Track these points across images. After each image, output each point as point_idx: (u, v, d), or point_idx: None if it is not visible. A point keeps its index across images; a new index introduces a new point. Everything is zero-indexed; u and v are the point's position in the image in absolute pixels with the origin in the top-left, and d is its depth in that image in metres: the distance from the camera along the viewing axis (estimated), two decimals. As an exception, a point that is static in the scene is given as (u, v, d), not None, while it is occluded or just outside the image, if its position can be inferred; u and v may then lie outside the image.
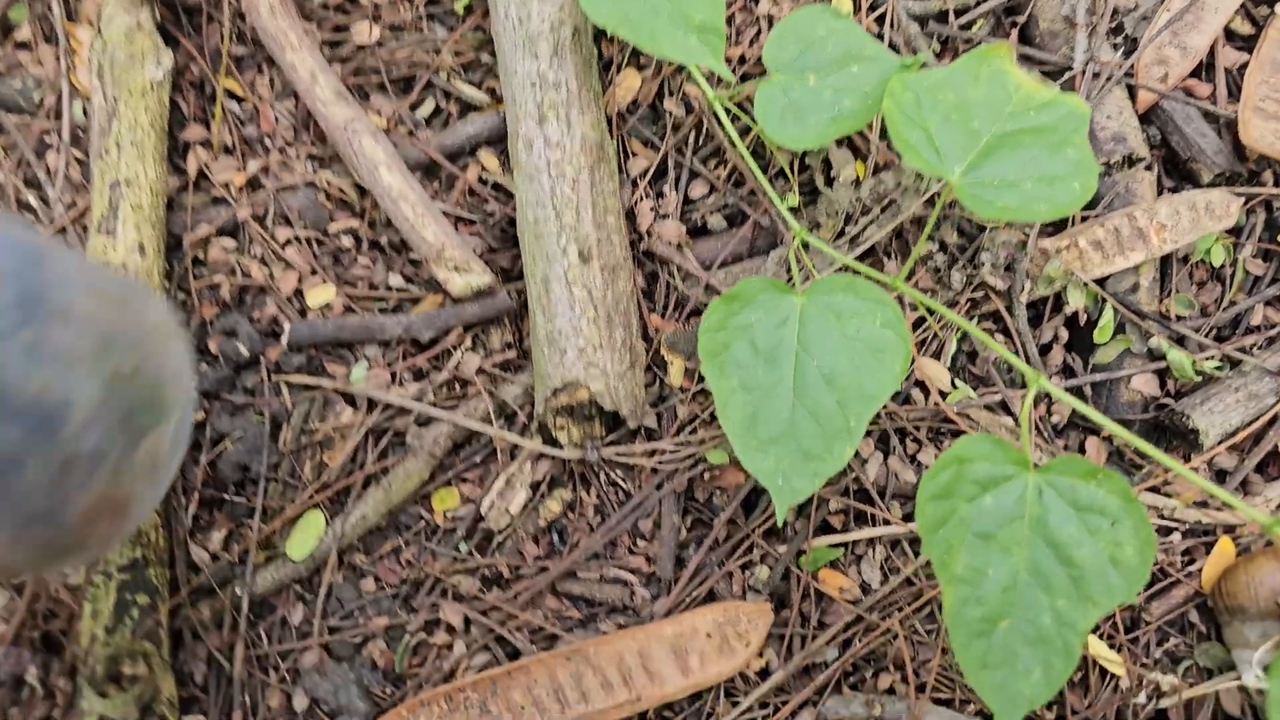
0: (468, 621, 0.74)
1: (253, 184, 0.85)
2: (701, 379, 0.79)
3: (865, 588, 0.74)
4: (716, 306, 0.66)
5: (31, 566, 0.47)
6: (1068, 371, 0.83)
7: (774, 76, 0.71)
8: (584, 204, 0.74)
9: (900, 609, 0.72)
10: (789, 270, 0.82)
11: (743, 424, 0.64)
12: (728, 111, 0.83)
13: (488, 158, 0.85)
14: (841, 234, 0.82)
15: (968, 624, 0.52)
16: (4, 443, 0.33)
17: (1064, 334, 0.84)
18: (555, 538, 0.76)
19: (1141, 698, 0.69)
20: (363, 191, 0.84)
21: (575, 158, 0.75)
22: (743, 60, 0.84)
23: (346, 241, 0.84)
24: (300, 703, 0.71)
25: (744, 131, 0.85)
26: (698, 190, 0.85)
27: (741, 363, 0.65)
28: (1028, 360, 0.80)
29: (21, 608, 0.73)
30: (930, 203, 0.83)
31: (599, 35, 0.87)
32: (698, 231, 0.85)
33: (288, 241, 0.83)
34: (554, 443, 0.75)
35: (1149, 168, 0.85)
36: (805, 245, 0.82)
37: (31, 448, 0.34)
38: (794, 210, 0.83)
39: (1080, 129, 0.66)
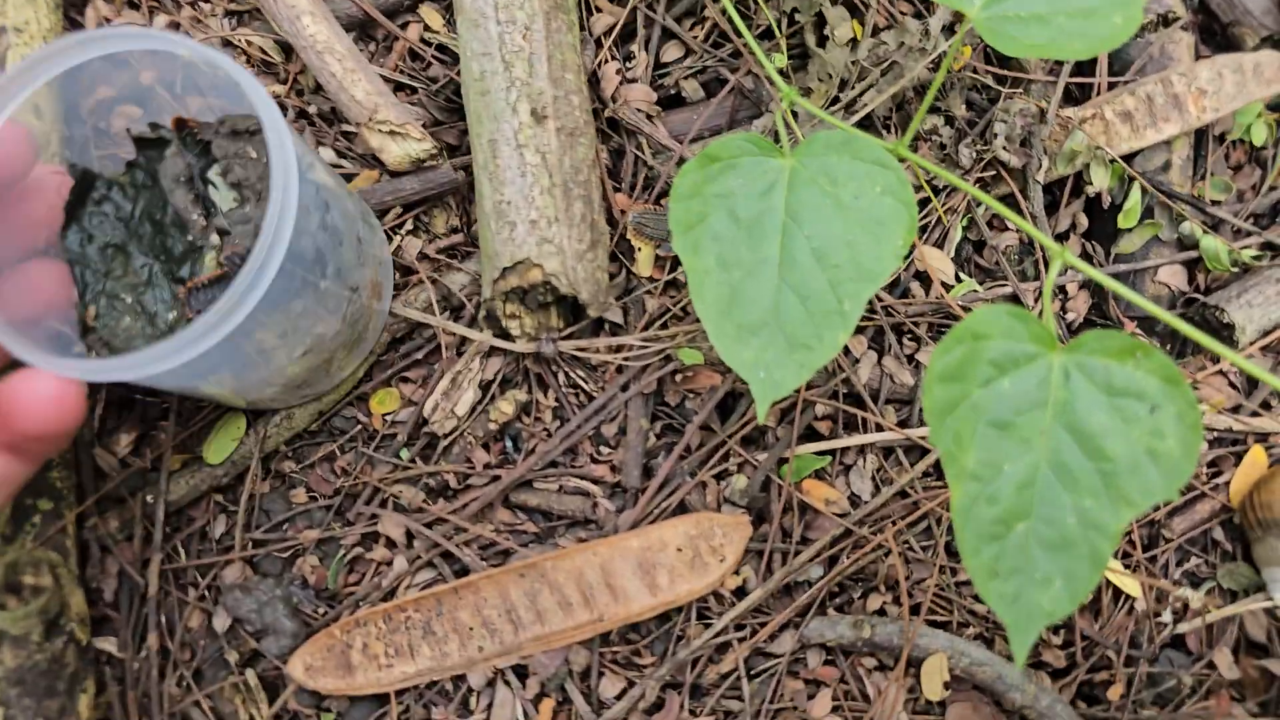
0: (410, 535, 0.66)
1: (159, 41, 0.73)
2: (672, 268, 0.70)
3: (854, 500, 0.66)
4: (690, 169, 0.56)
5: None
6: (1086, 262, 0.74)
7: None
8: (538, 55, 0.63)
9: (893, 523, 0.65)
10: (775, 142, 0.71)
11: (720, 308, 0.55)
12: (708, -45, 0.72)
13: (430, 14, 0.74)
14: (836, 101, 0.72)
15: (979, 526, 0.44)
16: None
17: (1083, 221, 0.74)
18: (508, 444, 0.68)
19: (1166, 615, 0.62)
20: (288, 52, 0.73)
21: (528, 1, 0.64)
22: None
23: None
24: (221, 622, 0.63)
25: (727, -17, 0.74)
26: (671, 53, 0.74)
27: (719, 236, 0.56)
28: (1044, 247, 0.71)
29: (-98, 518, 0.65)
30: (937, 67, 0.72)
31: None
32: (671, 101, 0.74)
33: (199, 111, 0.72)
34: (505, 335, 0.66)
35: (1185, 29, 0.74)
36: (794, 113, 0.71)
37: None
38: (782, 74, 0.72)
39: (1123, -44, 0.55)
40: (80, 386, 0.47)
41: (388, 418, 0.68)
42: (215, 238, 0.56)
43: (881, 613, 0.64)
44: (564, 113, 0.64)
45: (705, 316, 0.55)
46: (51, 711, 0.59)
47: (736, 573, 0.64)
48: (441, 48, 0.74)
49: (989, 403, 0.46)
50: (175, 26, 0.74)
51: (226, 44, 0.73)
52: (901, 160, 0.58)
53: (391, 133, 0.66)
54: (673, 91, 0.74)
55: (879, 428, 0.67)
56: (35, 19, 0.67)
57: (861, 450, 0.67)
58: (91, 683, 0.62)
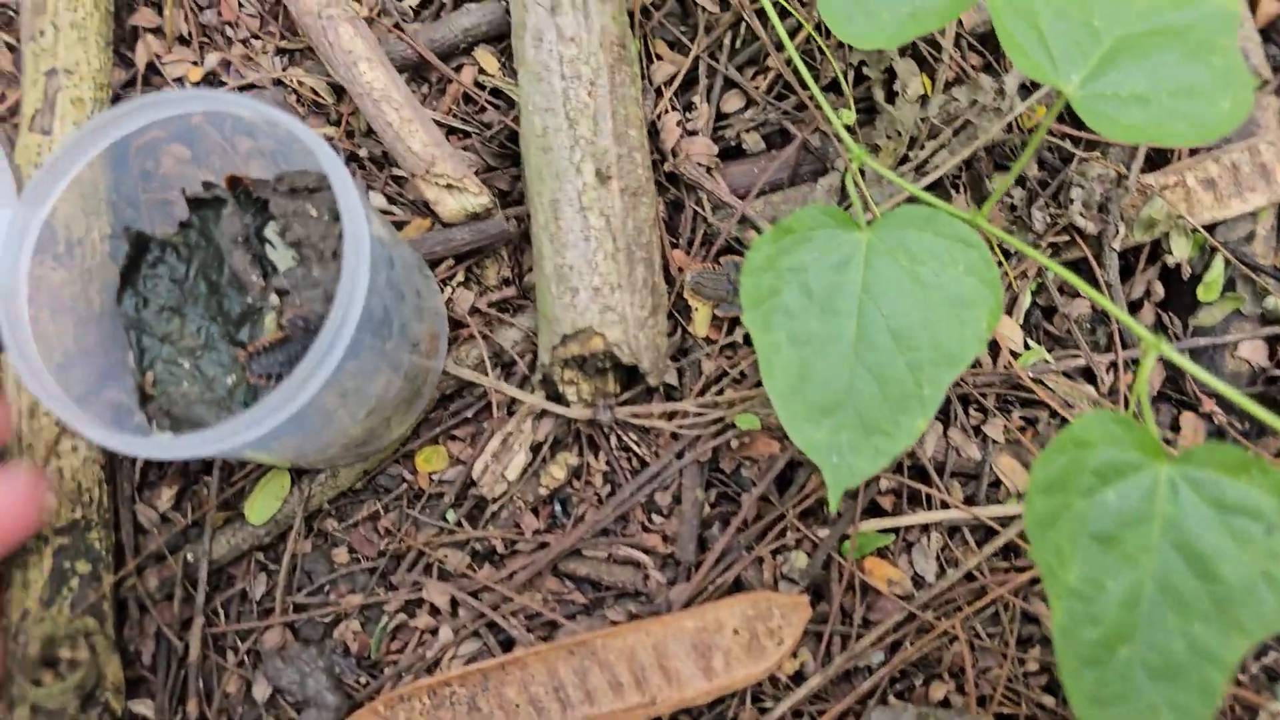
0: (455, 603, 0.64)
1: (210, 80, 0.71)
2: (730, 329, 0.68)
3: (918, 581, 0.63)
4: (764, 242, 0.54)
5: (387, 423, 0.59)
6: (1161, 333, 0.71)
7: (841, -41, 0.57)
8: (603, 112, 0.61)
9: (959, 608, 0.62)
10: (841, 201, 0.69)
11: (790, 386, 0.53)
12: (776, 4, 0.69)
13: (486, 58, 0.72)
14: (905, 160, 0.69)
15: (1079, 648, 0.41)
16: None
17: (1159, 290, 0.71)
18: (558, 509, 0.65)
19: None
20: (340, 93, 0.71)
21: (594, 55, 0.62)
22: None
23: (314, 161, 0.71)
24: (261, 691, 0.61)
25: (792, 33, 0.71)
26: (732, 103, 0.72)
27: (792, 311, 0.53)
28: (1127, 329, 0.68)
29: (-63, 571, 0.63)
30: (1013, 127, 0.69)
31: (624, -88, 0.72)
32: (731, 153, 0.72)
33: (249, 153, 0.70)
34: (560, 399, 0.64)
35: (1277, 92, 0.71)
36: (862, 171, 0.69)
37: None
38: (849, 130, 0.70)
39: (1228, 31, 0.52)
40: (42, 488, 0.48)
41: (434, 477, 0.66)
42: (274, 298, 0.54)
43: (946, 703, 0.61)
44: (627, 171, 0.62)
45: (775, 394, 0.53)
46: (85, 782, 0.57)
47: (794, 656, 0.62)
48: (496, 92, 0.72)
49: (1091, 514, 0.43)
50: (226, 65, 0.72)
51: (277, 83, 0.72)
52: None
53: (449, 186, 0.64)
54: (733, 143, 0.71)
55: (944, 505, 0.64)
56: (85, 60, 0.66)
57: (925, 528, 0.64)
58: (125, 750, 0.60)
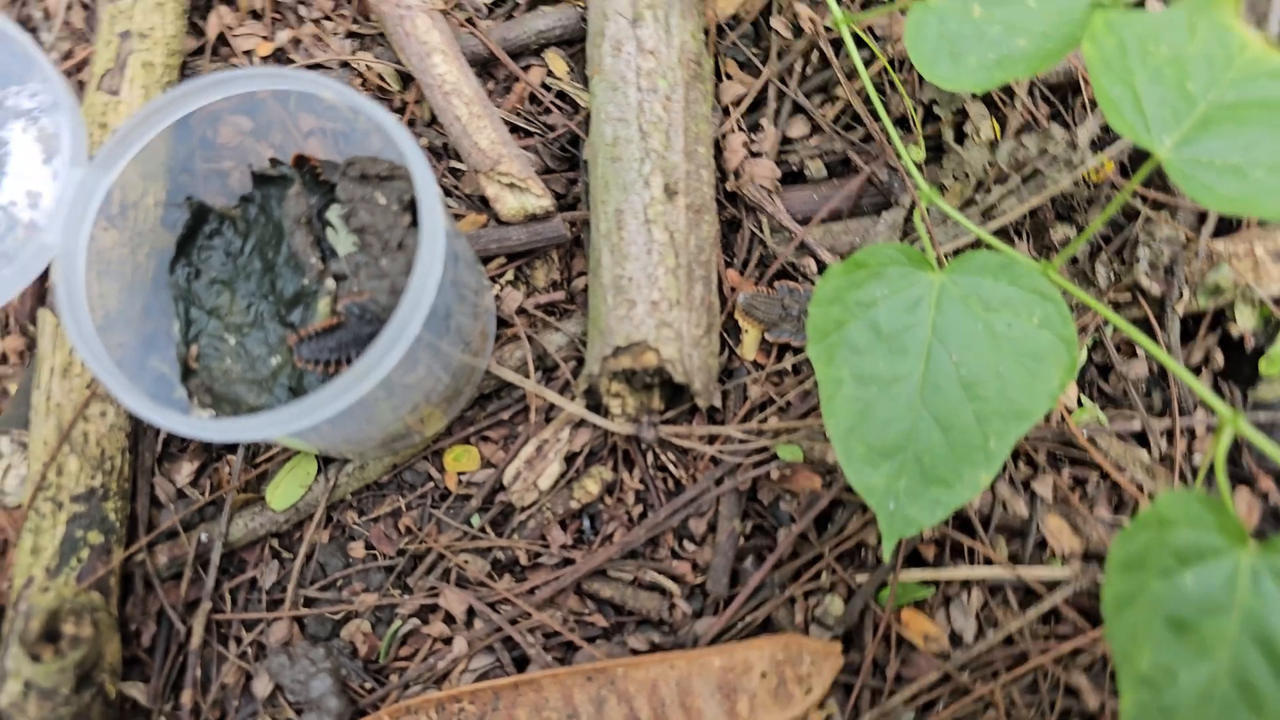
0: (471, 613, 0.61)
1: (278, 57, 0.71)
2: (779, 355, 0.66)
3: (956, 639, 0.61)
4: (834, 274, 0.52)
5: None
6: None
7: (932, 0, 0.56)
8: (675, 128, 0.60)
9: (996, 673, 0.59)
10: (904, 238, 0.67)
11: (851, 425, 0.51)
12: (855, 38, 0.68)
13: (556, 61, 0.71)
14: (970, 203, 0.68)
15: (1149, 737, 0.39)
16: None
17: (1218, 358, 0.69)
18: (586, 525, 0.63)
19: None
20: (406, 81, 0.70)
21: (671, 70, 0.60)
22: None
23: (374, 142, 0.70)
24: (261, 687, 0.59)
25: (864, 65, 0.70)
26: (798, 129, 0.71)
27: (858, 348, 0.52)
28: (1172, 383, 0.66)
29: (-57, 527, 0.61)
30: (1082, 181, 0.68)
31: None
32: (792, 178, 0.71)
33: (311, 131, 0.69)
34: (602, 411, 0.62)
35: (1355, 173, 0.70)
36: (927, 211, 0.67)
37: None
38: (918, 167, 0.68)
39: (1324, 105, 0.51)
40: None
41: (463, 478, 0.64)
42: (330, 283, 0.53)
43: (975, 769, 0.58)
44: (694, 188, 0.60)
45: (834, 432, 0.51)
46: (71, 763, 0.54)
47: (821, 706, 0.59)
48: (562, 95, 0.71)
49: (1169, 598, 0.41)
50: (296, 43, 0.71)
51: (344, 65, 0.71)
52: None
53: (511, 185, 0.62)
54: (795, 169, 0.70)
55: (988, 561, 0.62)
56: (161, 25, 0.65)
57: (967, 584, 0.62)
58: (115, 733, 0.57)
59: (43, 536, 0.56)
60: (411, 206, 0.53)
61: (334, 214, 0.55)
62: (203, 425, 0.42)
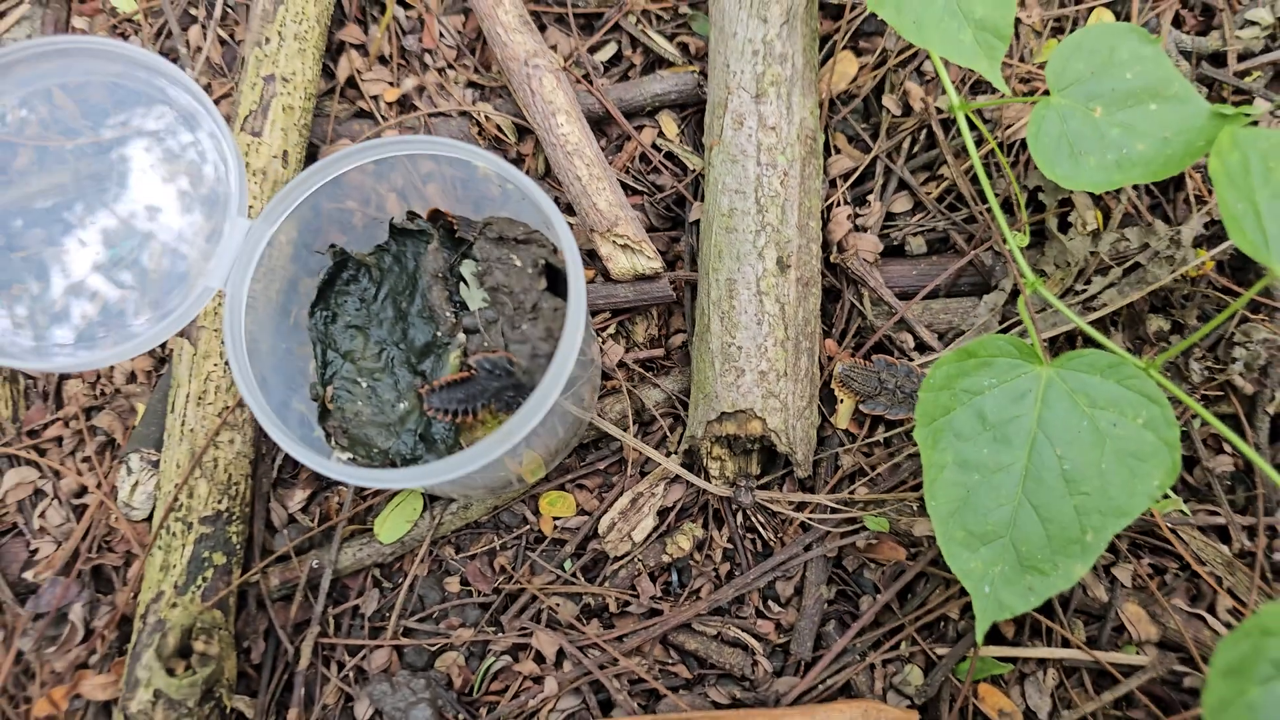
0: (561, 654, 0.64)
1: (403, 103, 0.74)
2: (872, 428, 0.68)
3: (1029, 716, 0.62)
4: (945, 362, 0.54)
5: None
6: (1304, 504, 0.69)
7: (1054, 98, 0.58)
8: (790, 203, 0.62)
9: (1069, 752, 0.61)
10: (1001, 323, 0.69)
11: (951, 509, 0.53)
12: (970, 123, 0.70)
13: (668, 123, 0.74)
14: (1070, 291, 0.70)
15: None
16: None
17: (1304, 458, 0.70)
18: (675, 578, 0.66)
19: None
20: (521, 133, 0.73)
21: (790, 147, 0.63)
22: (1010, 62, 0.71)
23: (492, 190, 0.73)
24: (362, 710, 0.62)
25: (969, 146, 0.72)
26: (900, 205, 0.73)
27: (963, 434, 0.53)
28: (1258, 481, 0.67)
29: (77, 532, 0.65)
30: (1184, 278, 0.69)
31: (821, 7, 0.74)
32: (892, 251, 0.73)
33: (429, 174, 0.72)
34: (699, 471, 0.64)
35: None
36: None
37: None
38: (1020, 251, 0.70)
39: None
40: None
41: (558, 522, 0.66)
42: (461, 336, 0.56)
43: None
44: (804, 262, 0.63)
45: (935, 514, 0.53)
46: (185, 771, 0.57)
47: (896, 771, 0.61)
48: (671, 156, 0.74)
49: (1266, 706, 0.42)
50: (420, 90, 0.75)
51: (463, 114, 0.74)
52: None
53: (625, 246, 0.65)
54: (896, 243, 0.72)
55: (1066, 642, 0.63)
56: (302, 70, 0.68)
57: (1043, 663, 0.63)
58: (224, 744, 0.60)
59: (172, 555, 0.60)
60: (546, 271, 0.56)
61: (467, 270, 0.58)
62: (359, 474, 0.45)
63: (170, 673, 0.55)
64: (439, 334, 0.56)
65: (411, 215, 0.60)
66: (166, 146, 0.60)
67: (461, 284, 0.58)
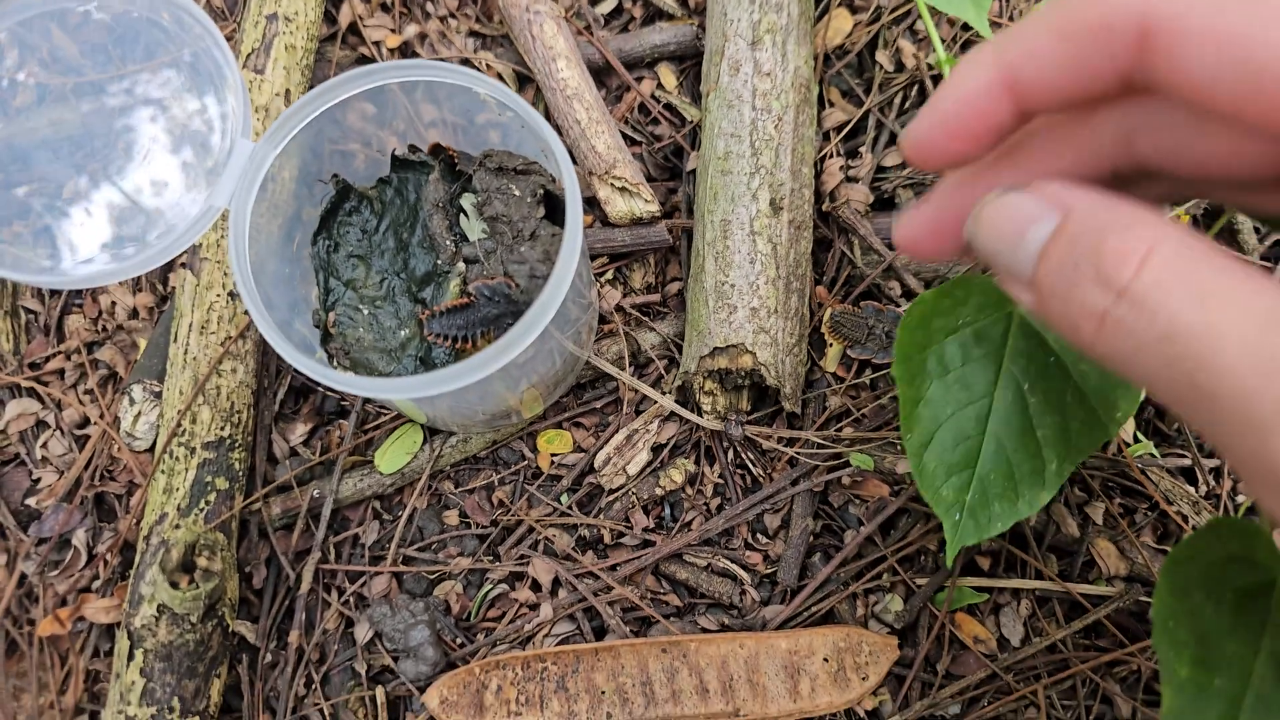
0: (556, 582, 0.66)
1: (404, 50, 0.75)
2: (859, 371, 0.70)
3: (1003, 643, 0.65)
4: (924, 300, 0.56)
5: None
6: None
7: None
8: (785, 147, 0.64)
9: (1039, 676, 0.64)
10: (985, 271, 0.72)
11: (924, 441, 0.55)
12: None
13: (666, 74, 0.75)
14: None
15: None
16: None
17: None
18: (667, 512, 0.68)
19: None
20: (522, 82, 0.75)
21: (785, 93, 0.65)
22: (999, 21, 0.73)
23: (493, 135, 0.75)
24: (362, 633, 0.63)
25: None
26: (892, 158, 0.75)
27: (936, 370, 0.56)
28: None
29: (79, 461, 0.66)
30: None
31: (817, -39, 0.76)
32: (882, 204, 0.75)
33: (432, 121, 0.74)
34: (692, 407, 0.66)
35: None
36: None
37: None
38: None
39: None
40: None
41: (555, 459, 0.68)
42: (461, 265, 0.57)
43: (1015, 766, 0.63)
44: (796, 206, 0.65)
45: (909, 447, 0.56)
46: (188, 691, 0.59)
47: (874, 693, 0.64)
48: (670, 107, 0.75)
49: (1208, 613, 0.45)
50: (422, 37, 0.76)
51: (465, 62, 0.75)
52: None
53: (623, 189, 0.67)
54: (886, 195, 0.74)
55: (1039, 574, 0.66)
56: (304, 10, 0.69)
57: (1017, 594, 0.66)
58: (225, 667, 0.62)
59: (175, 478, 0.61)
60: (544, 200, 0.58)
61: (467, 202, 0.60)
62: (359, 381, 0.46)
63: (174, 585, 0.56)
64: (439, 263, 0.58)
65: (413, 149, 0.61)
66: (168, 76, 0.61)
67: (461, 216, 0.59)
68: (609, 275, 0.71)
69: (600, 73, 0.75)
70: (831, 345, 0.70)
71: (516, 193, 0.57)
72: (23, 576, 0.65)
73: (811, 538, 0.67)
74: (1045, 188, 0.32)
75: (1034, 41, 0.33)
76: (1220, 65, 0.27)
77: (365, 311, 0.58)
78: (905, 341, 0.57)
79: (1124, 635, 0.65)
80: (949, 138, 0.35)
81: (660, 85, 0.75)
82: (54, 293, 0.72)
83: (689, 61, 0.76)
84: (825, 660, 0.62)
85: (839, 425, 0.68)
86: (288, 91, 0.68)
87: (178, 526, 0.60)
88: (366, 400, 0.68)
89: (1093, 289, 0.29)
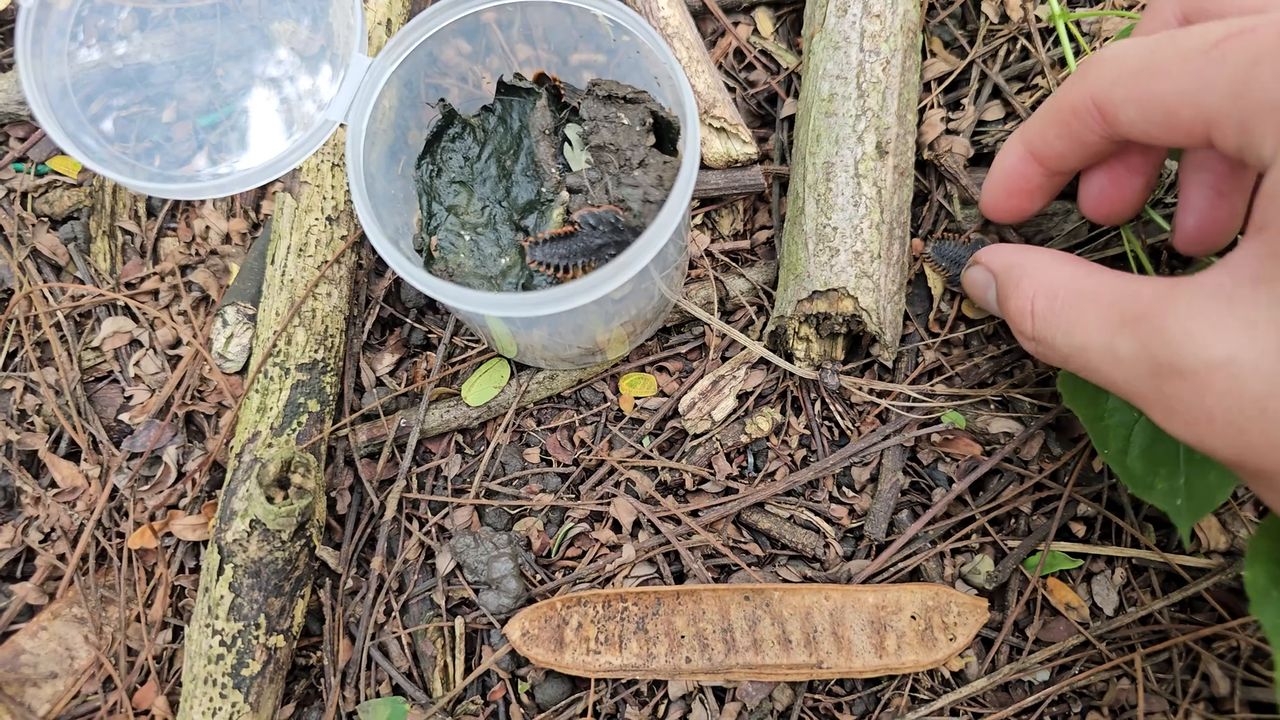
0: (637, 525, 0.65)
1: (501, -13, 0.74)
2: (954, 329, 0.68)
3: (1095, 611, 0.63)
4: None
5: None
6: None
7: None
8: (892, 91, 0.62)
9: (1133, 646, 0.62)
10: (1090, 231, 0.69)
11: (1121, 449, 0.55)
12: (1069, 34, 0.70)
13: (764, 20, 0.74)
14: (1159, 204, 0.69)
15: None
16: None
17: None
18: (751, 460, 0.67)
19: None
20: (617, 26, 0.74)
21: (894, 36, 0.63)
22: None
23: (586, 77, 0.74)
24: (444, 563, 0.63)
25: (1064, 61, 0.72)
26: (993, 112, 0.72)
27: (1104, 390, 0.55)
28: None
29: (172, 380, 0.67)
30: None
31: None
32: (982, 158, 0.73)
33: (526, 60, 0.73)
34: (784, 354, 0.65)
35: None
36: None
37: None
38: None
39: None
40: None
41: (638, 402, 0.68)
42: (564, 194, 0.57)
43: (1105, 737, 0.61)
44: (901, 151, 0.63)
45: (1110, 458, 0.55)
46: (273, 610, 0.59)
47: (961, 655, 0.62)
48: (765, 53, 0.74)
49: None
50: (518, -24, 0.75)
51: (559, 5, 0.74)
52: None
53: (721, 129, 0.66)
54: (985, 150, 0.72)
55: (1135, 542, 0.64)
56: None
57: (1111, 561, 0.64)
58: (308, 589, 0.62)
59: (269, 397, 0.61)
60: (653, 129, 0.57)
61: (571, 131, 0.59)
62: (471, 295, 0.46)
63: (270, 500, 0.57)
64: (543, 191, 0.57)
65: (519, 76, 0.60)
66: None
67: (566, 145, 0.58)
68: (698, 220, 0.70)
69: (697, 16, 0.74)
70: (934, 286, 0.68)
71: (625, 121, 0.56)
72: (114, 490, 0.66)
73: (899, 494, 0.66)
74: (986, 257, 0.55)
75: (1039, 125, 0.49)
76: (1146, 116, 0.41)
77: (467, 238, 0.58)
78: (1070, 379, 0.56)
79: (1224, 610, 0.62)
80: (1007, 197, 0.54)
81: (756, 31, 0.74)
82: (150, 215, 0.72)
83: (786, 8, 0.74)
84: (913, 618, 0.61)
85: (932, 381, 0.67)
86: (389, 21, 0.67)
87: (270, 445, 0.60)
88: (454, 333, 0.68)
89: (1019, 335, 0.48)
